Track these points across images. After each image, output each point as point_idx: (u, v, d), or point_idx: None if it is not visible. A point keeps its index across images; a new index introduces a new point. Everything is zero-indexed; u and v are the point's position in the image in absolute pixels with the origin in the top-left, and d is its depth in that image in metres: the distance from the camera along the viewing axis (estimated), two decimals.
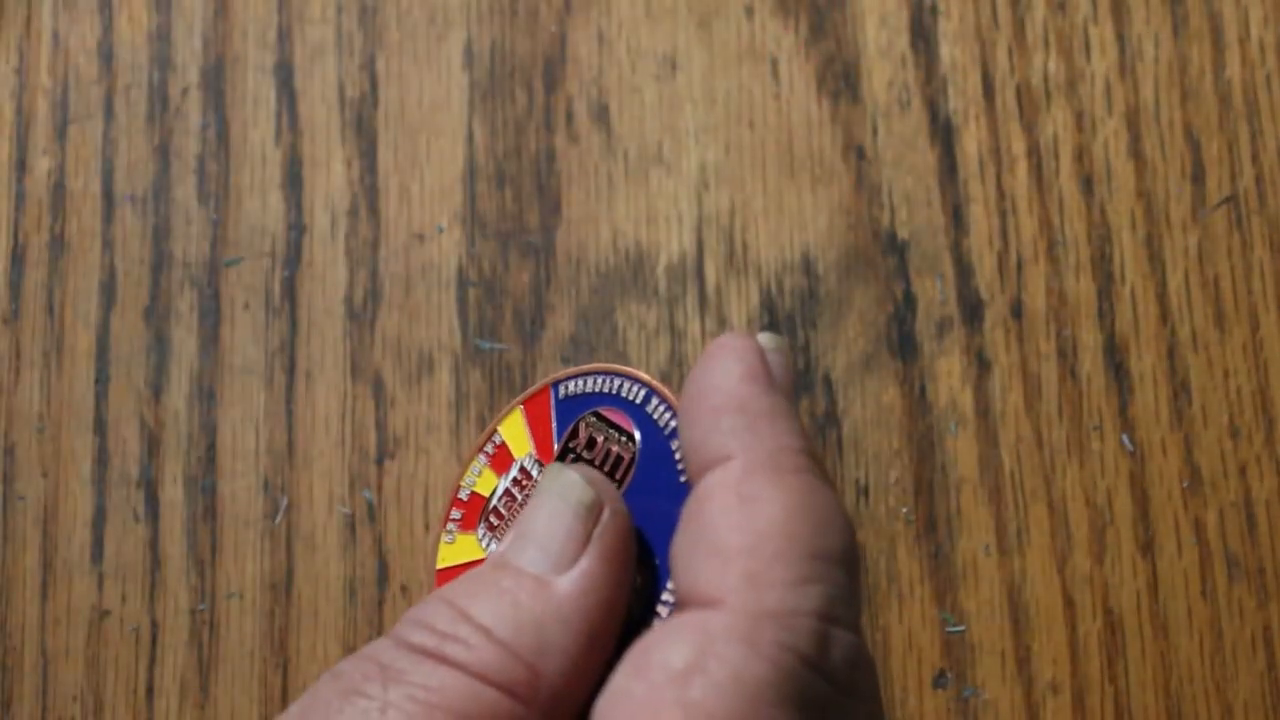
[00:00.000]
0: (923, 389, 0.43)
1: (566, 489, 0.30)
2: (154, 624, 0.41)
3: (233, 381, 0.43)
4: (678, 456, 0.32)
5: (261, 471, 0.43)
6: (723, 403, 0.30)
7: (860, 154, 0.44)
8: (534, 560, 0.29)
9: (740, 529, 0.28)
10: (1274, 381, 0.43)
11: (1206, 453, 0.42)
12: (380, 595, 0.42)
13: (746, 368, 0.30)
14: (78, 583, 0.41)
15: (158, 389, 0.42)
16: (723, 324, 0.43)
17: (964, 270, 0.43)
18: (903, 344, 0.43)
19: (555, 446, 0.34)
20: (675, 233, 0.44)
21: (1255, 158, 0.44)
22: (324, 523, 0.42)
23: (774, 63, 0.45)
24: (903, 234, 0.44)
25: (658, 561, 0.31)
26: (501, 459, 0.35)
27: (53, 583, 0.41)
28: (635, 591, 0.30)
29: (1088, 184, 0.44)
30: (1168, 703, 0.41)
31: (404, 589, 0.42)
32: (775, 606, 0.27)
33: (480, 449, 0.35)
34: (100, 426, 0.42)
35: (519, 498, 0.34)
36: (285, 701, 0.41)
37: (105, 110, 0.46)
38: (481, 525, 0.34)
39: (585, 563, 0.29)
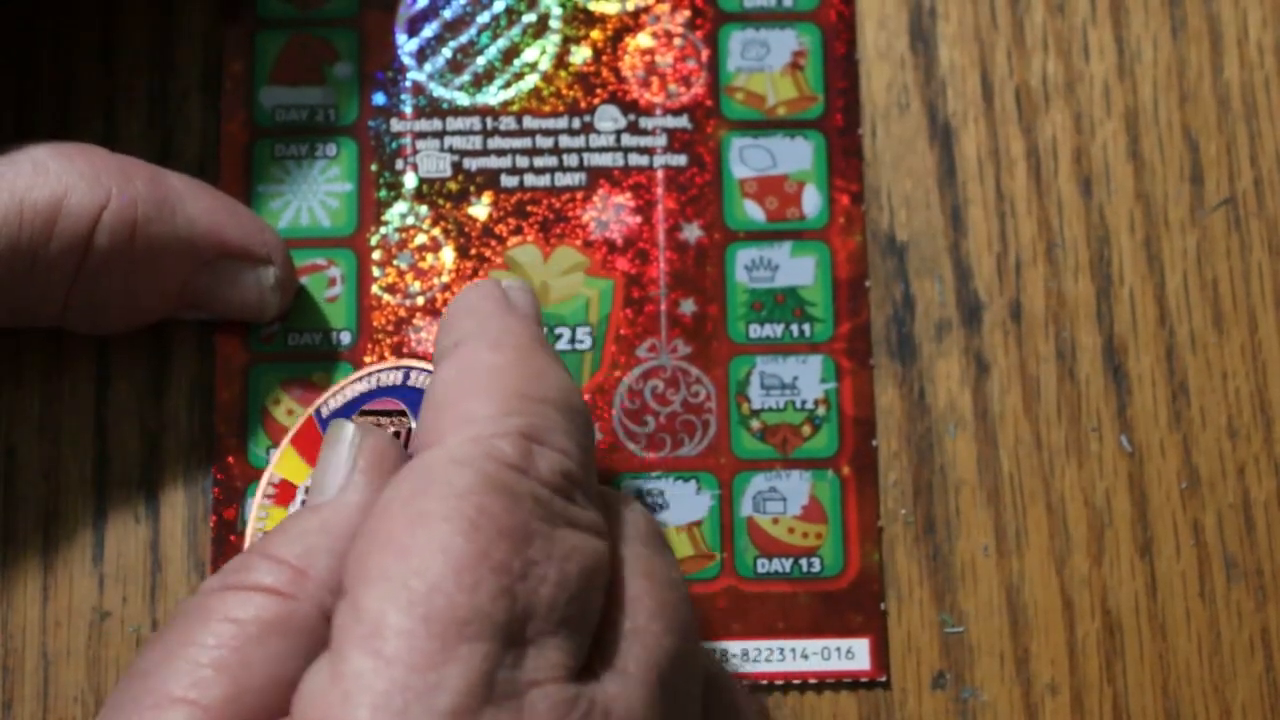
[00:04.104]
0: (921, 391, 0.43)
1: (334, 432, 0.35)
2: (155, 625, 0.41)
3: None
4: None
5: None
6: (455, 309, 0.35)
7: (859, 155, 0.44)
8: (313, 498, 0.34)
9: (455, 383, 0.33)
10: (1272, 383, 0.43)
11: (1205, 454, 0.43)
12: None
13: (483, 292, 0.35)
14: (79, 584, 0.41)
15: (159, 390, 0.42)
16: None
17: (963, 272, 0.44)
18: (901, 346, 0.43)
19: None
20: None
21: (1254, 160, 0.44)
22: None
23: None
24: (901, 236, 0.44)
25: None
26: (284, 493, 0.38)
27: (54, 584, 0.41)
28: None
29: (1086, 186, 0.44)
30: (1166, 704, 0.41)
31: None
32: (481, 431, 0.31)
33: (262, 496, 0.38)
34: (101, 427, 0.42)
35: None
36: None
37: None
38: None
39: (347, 479, 0.34)
